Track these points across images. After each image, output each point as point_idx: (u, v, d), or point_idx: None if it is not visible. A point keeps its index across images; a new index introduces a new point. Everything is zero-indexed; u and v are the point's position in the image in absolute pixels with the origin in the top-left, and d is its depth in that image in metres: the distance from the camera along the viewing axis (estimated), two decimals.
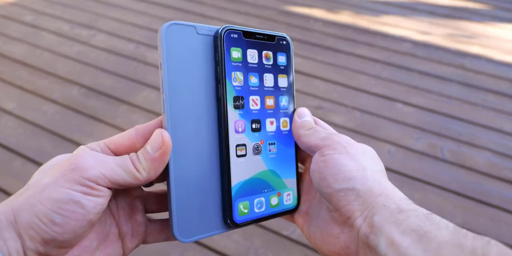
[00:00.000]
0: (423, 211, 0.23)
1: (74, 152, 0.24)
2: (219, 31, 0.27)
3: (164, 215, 0.26)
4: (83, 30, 1.87)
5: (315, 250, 0.95)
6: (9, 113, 1.37)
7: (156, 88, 1.51)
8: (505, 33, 2.01)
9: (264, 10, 2.10)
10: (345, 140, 0.27)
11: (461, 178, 1.18)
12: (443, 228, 0.21)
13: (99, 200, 0.21)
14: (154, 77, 1.57)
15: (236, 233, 0.98)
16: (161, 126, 0.25)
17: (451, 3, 2.31)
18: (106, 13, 2.03)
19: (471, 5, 2.30)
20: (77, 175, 0.21)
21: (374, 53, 1.77)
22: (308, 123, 0.30)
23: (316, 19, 2.03)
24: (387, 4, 2.25)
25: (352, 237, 0.24)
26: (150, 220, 0.27)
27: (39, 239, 0.20)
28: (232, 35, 0.27)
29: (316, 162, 0.26)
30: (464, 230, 0.21)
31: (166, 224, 0.27)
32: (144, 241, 0.28)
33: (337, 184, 0.24)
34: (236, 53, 0.28)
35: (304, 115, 0.31)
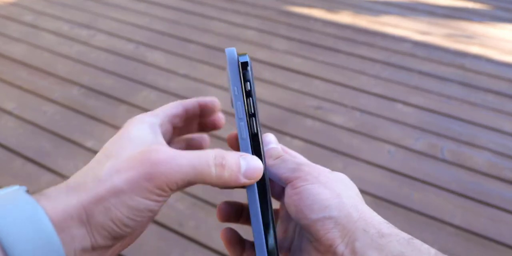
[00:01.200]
0: (404, 235, 0.23)
1: (148, 132, 0.24)
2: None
3: None
4: (83, 30, 1.87)
5: None
6: (9, 113, 1.37)
7: (156, 88, 1.51)
8: (505, 33, 2.01)
9: (264, 10, 2.10)
10: (316, 170, 0.26)
11: (461, 178, 1.18)
12: (424, 254, 0.21)
13: (162, 203, 0.23)
14: (154, 77, 1.57)
15: None
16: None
17: (451, 3, 2.31)
18: (106, 13, 2.03)
19: (471, 5, 2.30)
20: (153, 185, 0.21)
21: (373, 53, 1.77)
22: (274, 151, 0.28)
23: (316, 19, 2.03)
24: (386, 4, 2.25)
25: None
26: None
27: (110, 237, 0.21)
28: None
29: (289, 196, 0.25)
30: None
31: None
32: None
33: (313, 214, 0.24)
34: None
35: (270, 142, 0.29)
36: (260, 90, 1.52)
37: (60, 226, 0.19)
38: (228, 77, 0.26)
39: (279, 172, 0.26)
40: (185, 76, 1.59)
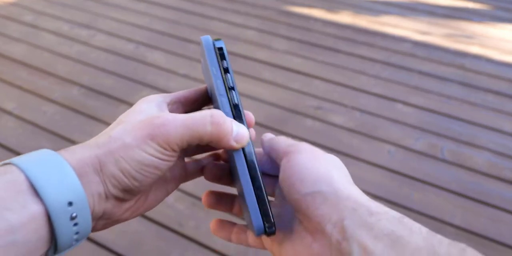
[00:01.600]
0: (395, 214, 0.22)
1: (155, 104, 0.26)
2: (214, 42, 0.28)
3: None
4: (83, 30, 1.87)
5: None
6: (9, 113, 1.37)
7: (156, 88, 1.51)
8: (505, 33, 2.01)
9: (264, 10, 2.10)
10: (310, 147, 0.27)
11: (461, 178, 1.18)
12: (416, 233, 0.21)
13: (171, 162, 0.25)
14: (154, 77, 1.57)
15: None
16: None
17: (451, 3, 2.31)
18: (106, 13, 2.03)
19: (471, 5, 2.30)
20: (156, 143, 0.23)
21: (373, 53, 1.77)
22: (268, 135, 0.31)
23: (316, 19, 2.03)
24: (386, 4, 2.25)
25: (325, 246, 0.23)
26: (188, 163, 0.31)
27: (120, 187, 0.23)
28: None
29: (284, 169, 0.26)
30: (439, 236, 0.21)
31: (199, 165, 0.31)
32: (184, 182, 0.31)
33: (304, 188, 0.24)
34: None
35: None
36: (260, 90, 1.52)
37: (78, 171, 0.22)
38: (205, 64, 0.28)
39: (276, 147, 0.28)
40: (185, 76, 1.59)
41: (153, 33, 1.87)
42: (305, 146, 0.27)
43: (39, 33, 1.84)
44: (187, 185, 1.11)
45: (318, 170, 0.25)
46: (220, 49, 0.27)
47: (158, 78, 1.56)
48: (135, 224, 1.01)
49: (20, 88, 1.49)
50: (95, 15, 2.00)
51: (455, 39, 1.92)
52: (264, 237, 0.28)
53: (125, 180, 0.23)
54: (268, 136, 0.31)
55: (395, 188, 1.15)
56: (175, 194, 1.09)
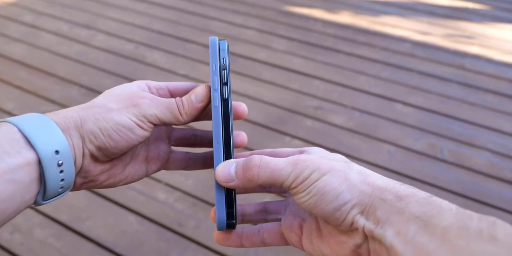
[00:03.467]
0: (423, 194, 0.23)
1: (136, 86, 0.30)
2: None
3: (184, 148, 0.33)
4: (83, 30, 1.87)
5: None
6: (9, 113, 1.37)
7: None
8: (504, 33, 2.01)
9: (263, 10, 2.11)
10: (313, 159, 0.25)
11: (460, 178, 1.18)
12: (446, 211, 0.21)
13: (145, 133, 0.28)
14: (153, 77, 1.57)
15: None
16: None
17: (451, 3, 2.31)
18: (105, 13, 2.03)
19: (470, 5, 2.31)
20: (137, 110, 0.27)
21: (373, 53, 1.77)
22: (243, 164, 0.27)
23: (316, 20, 2.03)
24: (386, 4, 2.25)
25: (360, 238, 0.24)
26: (173, 151, 0.33)
27: (96, 144, 0.26)
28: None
29: (298, 198, 0.25)
30: (468, 211, 0.22)
31: (185, 156, 0.33)
32: (167, 168, 0.33)
33: (328, 206, 0.24)
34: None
35: (228, 165, 0.28)
36: (260, 90, 1.52)
37: (62, 126, 0.25)
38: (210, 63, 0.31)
39: (273, 174, 0.25)
40: (185, 76, 1.59)
41: (153, 33, 1.87)
42: (307, 163, 0.25)
43: (39, 33, 1.84)
44: (187, 185, 1.11)
45: (335, 184, 0.24)
46: (223, 46, 0.30)
47: (158, 78, 1.56)
48: (135, 224, 1.01)
49: (19, 88, 1.49)
50: (95, 15, 2.00)
51: (455, 39, 1.92)
52: (288, 232, 0.29)
53: (102, 137, 0.26)
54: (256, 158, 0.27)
55: None
56: (175, 194, 1.09)
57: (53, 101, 1.42)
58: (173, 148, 0.34)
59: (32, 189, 0.24)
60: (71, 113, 0.26)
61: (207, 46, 1.77)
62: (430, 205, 0.22)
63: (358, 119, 1.39)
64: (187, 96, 0.29)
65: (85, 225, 1.01)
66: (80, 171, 0.27)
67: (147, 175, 0.32)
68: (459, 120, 1.41)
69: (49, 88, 1.49)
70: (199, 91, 0.29)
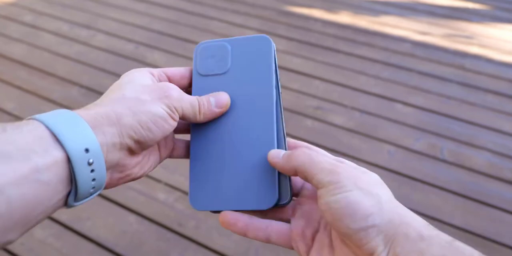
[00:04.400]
0: (446, 237, 0.22)
1: (148, 76, 0.30)
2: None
3: (186, 136, 0.33)
4: (83, 30, 1.87)
5: None
6: (9, 113, 1.37)
7: None
8: (504, 33, 2.01)
9: (263, 10, 2.11)
10: (351, 173, 0.25)
11: (460, 179, 1.18)
12: None
13: (175, 123, 0.28)
14: None
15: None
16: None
17: (451, 3, 2.31)
18: (105, 13, 2.03)
19: (470, 5, 2.31)
20: (169, 101, 0.28)
21: (373, 53, 1.77)
22: (291, 152, 0.29)
23: (316, 20, 2.03)
24: (386, 4, 2.25)
25: None
26: (176, 139, 0.34)
27: (136, 138, 0.26)
28: None
29: (326, 202, 0.24)
30: None
31: (185, 143, 0.34)
32: (171, 156, 0.34)
33: (355, 224, 0.23)
34: None
35: (279, 152, 0.30)
36: None
37: (92, 123, 0.24)
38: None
39: (312, 171, 0.26)
40: None
41: (152, 33, 1.87)
42: (347, 174, 0.25)
43: (38, 33, 1.84)
44: (187, 186, 1.11)
45: (367, 204, 0.24)
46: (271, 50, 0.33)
47: None
48: (135, 224, 1.01)
49: (19, 88, 1.49)
50: (95, 15, 2.00)
51: (454, 39, 1.92)
52: (296, 239, 0.28)
53: (141, 130, 0.26)
54: (301, 149, 0.28)
55: (394, 188, 1.15)
56: (175, 194, 1.09)
57: (53, 101, 1.42)
58: (176, 136, 0.34)
59: (61, 190, 0.23)
60: (103, 108, 0.26)
61: None
62: (452, 249, 0.21)
63: (358, 119, 1.39)
64: (206, 97, 0.30)
65: (85, 225, 1.01)
66: (117, 166, 0.27)
67: (160, 161, 0.33)
68: (459, 120, 1.42)
69: (49, 88, 1.49)
70: (222, 96, 0.31)
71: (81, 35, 1.84)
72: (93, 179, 0.24)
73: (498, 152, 1.28)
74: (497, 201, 1.12)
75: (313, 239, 0.27)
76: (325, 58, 1.73)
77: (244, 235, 0.29)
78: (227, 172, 0.30)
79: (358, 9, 2.17)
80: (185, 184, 1.12)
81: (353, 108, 1.44)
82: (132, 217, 1.03)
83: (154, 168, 0.31)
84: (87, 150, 0.23)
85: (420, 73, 1.66)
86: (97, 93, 1.47)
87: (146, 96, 0.27)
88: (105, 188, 0.27)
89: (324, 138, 1.30)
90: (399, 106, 1.47)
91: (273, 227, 0.29)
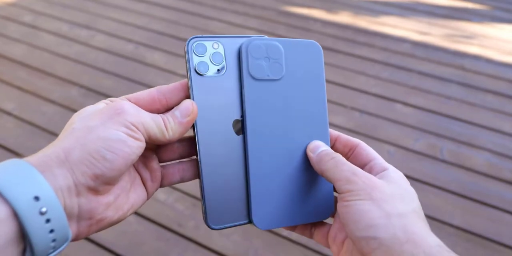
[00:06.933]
0: None
1: (112, 102, 0.27)
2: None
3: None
4: (83, 31, 1.87)
5: (314, 251, 0.95)
6: (8, 113, 1.37)
7: None
8: (504, 33, 2.01)
9: (263, 10, 2.11)
10: (371, 183, 0.25)
11: (460, 179, 1.18)
12: None
13: (140, 143, 0.24)
14: (153, 77, 1.57)
15: (235, 233, 0.98)
16: (183, 90, 0.29)
17: (450, 3, 2.31)
18: (105, 13, 2.03)
19: (470, 5, 2.31)
20: (122, 119, 0.24)
21: (373, 54, 1.77)
22: (325, 154, 0.29)
23: (316, 20, 2.03)
24: (386, 4, 2.25)
25: None
26: (163, 166, 0.30)
27: (91, 174, 0.22)
28: None
29: (339, 207, 0.26)
30: None
31: (177, 168, 0.30)
32: (162, 185, 0.30)
33: (358, 232, 0.24)
34: None
35: (318, 146, 0.30)
36: None
37: (41, 168, 0.21)
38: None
39: (334, 177, 0.27)
40: (185, 76, 1.58)
41: (152, 33, 1.87)
42: (364, 185, 0.25)
43: (38, 33, 1.84)
44: (187, 186, 1.11)
45: (374, 215, 0.24)
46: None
47: (157, 78, 1.56)
48: (135, 225, 1.01)
49: (19, 88, 1.49)
50: (94, 16, 2.00)
51: (454, 39, 1.92)
52: (331, 242, 0.29)
53: (95, 162, 0.22)
54: (319, 147, 0.30)
55: None
56: (175, 194, 1.09)
57: (53, 101, 1.42)
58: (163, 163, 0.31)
59: (12, 251, 0.19)
60: (51, 149, 0.23)
61: None
62: None
63: (358, 119, 1.39)
64: (171, 112, 0.27)
65: None
66: (81, 213, 0.23)
67: (149, 197, 0.29)
68: (459, 120, 1.41)
69: (49, 88, 1.49)
70: (185, 105, 0.27)
71: (81, 35, 1.84)
72: (51, 231, 0.20)
73: (498, 152, 1.28)
74: (497, 201, 1.12)
75: (343, 244, 0.28)
76: (324, 58, 1.72)
77: (292, 230, 0.32)
78: (288, 188, 0.30)
79: (358, 9, 2.17)
80: (185, 184, 1.12)
81: (353, 108, 1.44)
82: (131, 217, 1.03)
83: (140, 206, 0.28)
84: (36, 198, 0.20)
85: (420, 73, 1.66)
86: (96, 93, 1.47)
87: (95, 121, 0.24)
88: (76, 239, 0.24)
89: None
90: (399, 106, 1.47)
91: (317, 227, 0.31)
